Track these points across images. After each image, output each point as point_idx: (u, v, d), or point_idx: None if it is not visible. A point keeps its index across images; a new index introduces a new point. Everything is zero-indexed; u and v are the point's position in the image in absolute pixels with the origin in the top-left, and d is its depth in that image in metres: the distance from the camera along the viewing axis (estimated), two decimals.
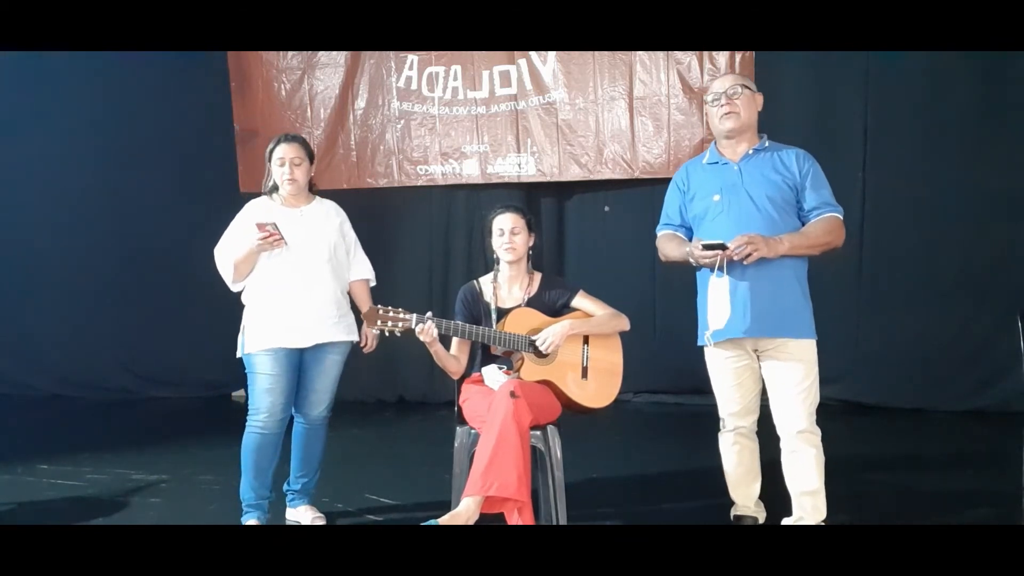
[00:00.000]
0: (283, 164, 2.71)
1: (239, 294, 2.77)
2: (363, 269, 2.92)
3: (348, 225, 2.89)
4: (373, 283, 2.95)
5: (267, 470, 2.73)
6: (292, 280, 2.67)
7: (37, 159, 5.20)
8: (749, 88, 2.50)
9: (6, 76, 5.09)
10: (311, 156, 2.80)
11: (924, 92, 4.25)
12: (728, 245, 2.32)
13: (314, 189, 2.87)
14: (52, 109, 5.13)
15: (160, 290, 5.14)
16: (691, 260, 2.47)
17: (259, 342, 2.66)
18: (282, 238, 2.60)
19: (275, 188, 2.79)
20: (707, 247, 2.36)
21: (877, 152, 4.35)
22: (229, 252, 2.68)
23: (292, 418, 2.82)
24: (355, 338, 2.85)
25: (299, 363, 2.73)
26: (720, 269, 2.37)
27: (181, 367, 5.24)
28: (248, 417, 2.69)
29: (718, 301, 2.39)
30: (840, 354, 4.18)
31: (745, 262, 2.33)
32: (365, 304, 2.84)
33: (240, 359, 2.73)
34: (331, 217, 2.83)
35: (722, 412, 2.64)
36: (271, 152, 2.74)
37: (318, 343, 2.72)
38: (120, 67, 4.92)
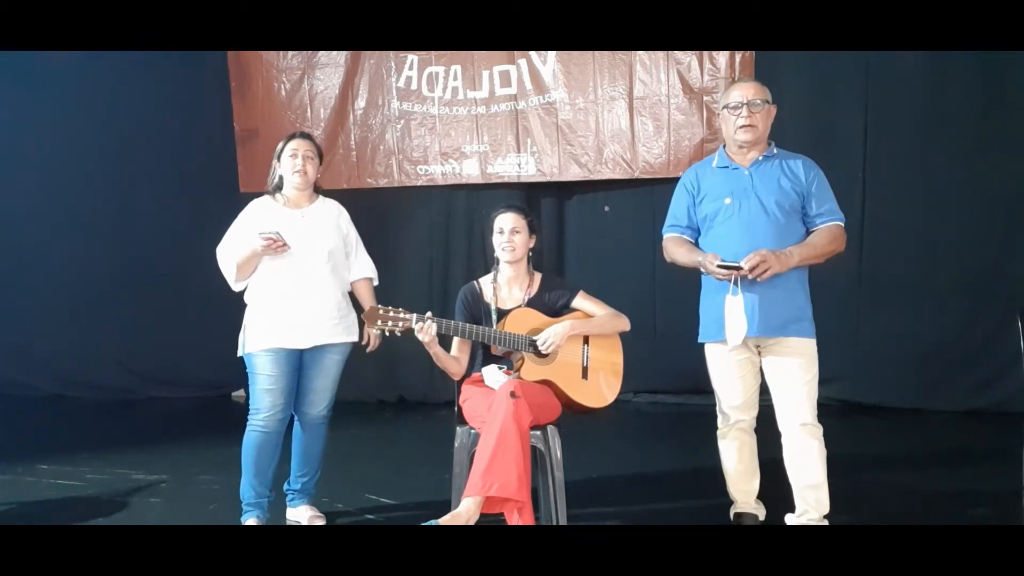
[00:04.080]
0: (295, 156, 2.74)
1: (240, 293, 2.78)
2: (365, 268, 2.94)
3: (350, 224, 2.91)
4: (376, 282, 2.97)
5: (267, 469, 2.75)
6: (293, 282, 2.69)
7: (37, 159, 5.20)
8: (769, 102, 2.54)
9: (6, 76, 5.09)
10: (321, 156, 2.85)
11: (924, 92, 4.24)
12: (743, 266, 2.37)
13: (319, 189, 2.89)
14: (51, 109, 5.12)
15: (160, 290, 5.14)
16: (702, 270, 2.53)
17: (259, 342, 2.68)
18: (285, 244, 2.64)
19: (279, 187, 2.80)
20: (722, 267, 2.42)
21: (877, 152, 4.35)
22: (231, 253, 2.69)
23: (293, 418, 2.83)
24: (355, 338, 2.85)
25: (299, 363, 2.75)
26: (735, 285, 2.42)
27: (181, 367, 5.24)
28: (249, 416, 2.72)
29: (735, 318, 2.44)
30: (840, 354, 4.17)
31: (760, 279, 2.39)
32: (369, 303, 2.86)
33: (241, 359, 2.75)
34: (332, 216, 2.84)
35: (724, 407, 2.65)
36: (283, 146, 2.77)
37: (318, 344, 2.73)
38: (120, 67, 4.91)
